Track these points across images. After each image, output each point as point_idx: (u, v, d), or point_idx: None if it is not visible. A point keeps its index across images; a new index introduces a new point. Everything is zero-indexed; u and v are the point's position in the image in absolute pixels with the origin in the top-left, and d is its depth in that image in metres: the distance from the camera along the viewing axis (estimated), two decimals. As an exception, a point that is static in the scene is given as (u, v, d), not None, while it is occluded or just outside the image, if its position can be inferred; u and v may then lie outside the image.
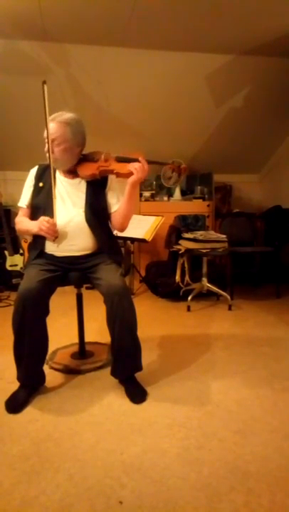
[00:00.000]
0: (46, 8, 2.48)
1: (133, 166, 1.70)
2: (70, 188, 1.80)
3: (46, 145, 1.70)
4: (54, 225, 1.69)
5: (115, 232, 1.96)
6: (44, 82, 1.62)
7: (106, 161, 1.80)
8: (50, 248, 1.77)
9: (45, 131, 1.67)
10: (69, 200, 1.79)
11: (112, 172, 1.77)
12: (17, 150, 3.76)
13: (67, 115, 1.73)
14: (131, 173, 1.70)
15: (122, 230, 1.87)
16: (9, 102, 3.30)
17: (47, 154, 1.71)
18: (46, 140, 1.68)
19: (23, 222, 1.82)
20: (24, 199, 1.86)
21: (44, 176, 1.80)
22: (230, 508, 1.06)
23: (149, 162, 1.74)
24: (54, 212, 1.71)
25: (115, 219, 1.84)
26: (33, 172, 1.86)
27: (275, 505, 1.07)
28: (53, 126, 1.70)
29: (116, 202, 1.84)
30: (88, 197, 1.79)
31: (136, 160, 1.72)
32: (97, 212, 1.79)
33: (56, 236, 1.71)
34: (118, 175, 1.76)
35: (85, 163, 1.81)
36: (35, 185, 1.82)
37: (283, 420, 1.48)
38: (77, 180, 1.82)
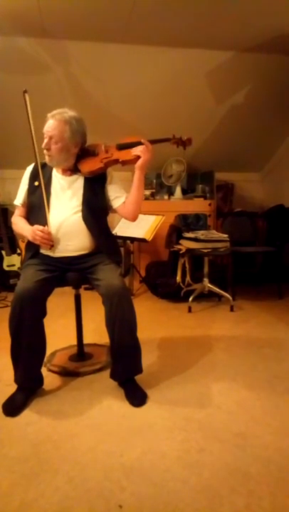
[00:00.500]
0: (45, 5, 2.46)
1: (138, 149, 1.68)
2: (67, 186, 1.77)
3: (43, 143, 1.68)
4: (49, 233, 1.65)
5: (114, 232, 1.94)
6: (25, 91, 1.59)
7: (107, 151, 1.75)
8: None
9: (35, 134, 1.65)
10: (65, 198, 1.75)
11: (117, 162, 1.71)
12: (15, 148, 3.73)
13: (69, 114, 1.69)
14: (137, 158, 1.67)
15: (134, 218, 1.81)
16: (7, 100, 3.28)
17: (44, 151, 1.69)
18: (33, 147, 1.65)
19: (19, 224, 1.79)
20: (19, 197, 1.83)
21: (39, 175, 1.77)
22: (231, 510, 1.05)
23: (151, 142, 1.72)
24: (48, 221, 1.67)
25: (125, 209, 1.79)
26: (29, 170, 1.83)
27: (276, 507, 1.06)
28: (53, 123, 1.67)
29: (121, 194, 1.80)
30: (86, 194, 1.75)
31: (138, 143, 1.70)
32: (94, 210, 1.75)
33: (52, 245, 1.68)
34: (124, 163, 1.71)
35: (87, 159, 1.76)
36: (31, 184, 1.79)
37: (284, 422, 1.47)
38: (74, 177, 1.78)
